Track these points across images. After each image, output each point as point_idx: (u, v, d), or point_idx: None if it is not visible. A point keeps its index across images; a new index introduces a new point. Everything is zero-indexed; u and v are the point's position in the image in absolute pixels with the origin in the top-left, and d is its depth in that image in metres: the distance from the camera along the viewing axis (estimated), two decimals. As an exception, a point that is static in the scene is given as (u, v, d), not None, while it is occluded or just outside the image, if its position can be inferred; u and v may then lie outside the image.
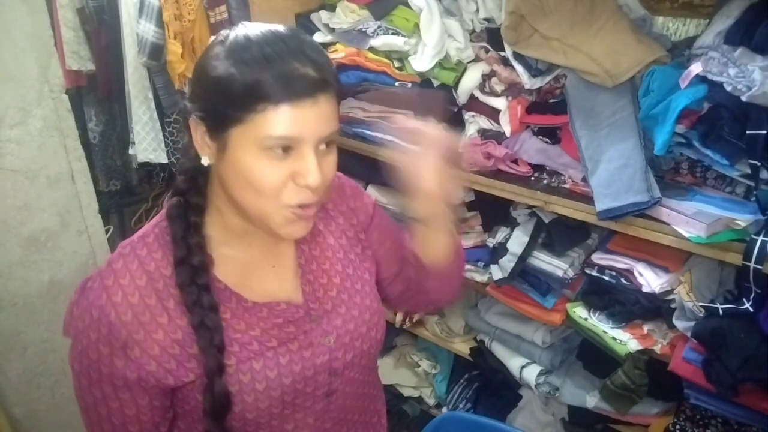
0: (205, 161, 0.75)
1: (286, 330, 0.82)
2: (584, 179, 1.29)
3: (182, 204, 0.80)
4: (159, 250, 0.79)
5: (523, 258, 1.45)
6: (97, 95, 2.30)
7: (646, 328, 1.36)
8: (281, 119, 0.68)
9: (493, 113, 1.43)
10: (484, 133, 1.47)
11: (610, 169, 1.21)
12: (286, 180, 0.71)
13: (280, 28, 0.72)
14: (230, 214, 0.80)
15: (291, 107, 0.68)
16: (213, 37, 0.75)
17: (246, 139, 0.69)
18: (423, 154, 0.85)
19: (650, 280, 1.28)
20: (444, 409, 1.94)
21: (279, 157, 0.70)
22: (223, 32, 0.74)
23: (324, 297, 0.87)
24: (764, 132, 1.02)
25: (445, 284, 0.99)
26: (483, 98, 1.43)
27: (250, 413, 0.78)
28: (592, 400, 1.51)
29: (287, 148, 0.70)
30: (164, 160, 2.19)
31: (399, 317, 1.82)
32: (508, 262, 1.47)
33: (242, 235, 0.82)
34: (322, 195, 0.76)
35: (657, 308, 1.33)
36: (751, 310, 1.13)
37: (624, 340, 1.34)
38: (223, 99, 0.69)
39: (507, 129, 1.41)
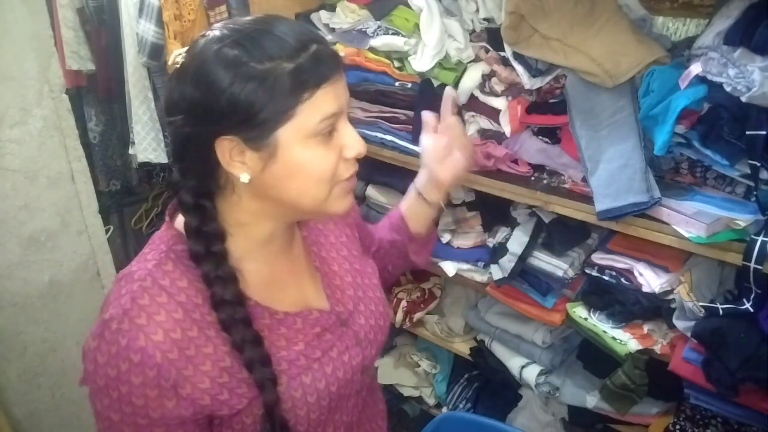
0: (244, 178, 0.71)
1: (325, 339, 0.82)
2: (584, 179, 1.29)
3: (200, 235, 0.74)
4: (183, 277, 0.74)
5: (523, 258, 1.45)
6: (97, 95, 2.30)
7: (646, 328, 1.36)
8: (326, 100, 0.70)
9: (493, 113, 1.43)
10: (484, 133, 1.47)
11: (610, 169, 1.21)
12: (339, 158, 0.74)
13: (259, 15, 0.73)
14: (258, 223, 0.78)
15: (329, 86, 0.70)
16: (188, 55, 0.70)
17: (298, 133, 0.69)
18: (450, 148, 1.00)
19: (650, 280, 1.28)
20: (444, 409, 1.94)
21: (326, 139, 0.72)
22: (199, 50, 0.68)
23: (344, 298, 0.88)
24: (764, 132, 1.02)
25: (423, 248, 1.14)
26: (483, 98, 1.43)
27: (302, 425, 0.78)
28: (592, 400, 1.51)
29: (331, 131, 0.72)
30: (164, 160, 2.19)
31: (399, 317, 1.82)
32: (508, 262, 1.47)
33: (266, 243, 0.80)
34: None
35: (657, 308, 1.33)
36: (751, 310, 1.13)
37: (624, 340, 1.35)
38: (265, 103, 0.66)
39: (507, 129, 1.41)
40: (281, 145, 0.69)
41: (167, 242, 0.76)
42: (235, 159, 0.70)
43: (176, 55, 0.72)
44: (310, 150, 0.71)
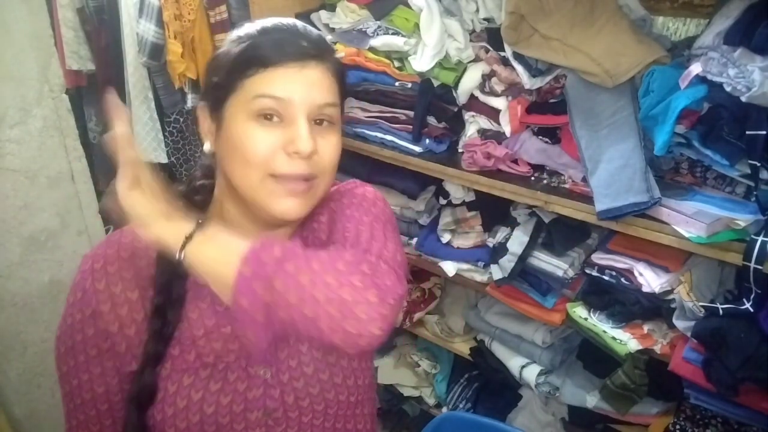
0: (207, 147, 0.77)
1: (229, 346, 0.75)
2: (584, 179, 1.29)
3: (185, 196, 0.80)
4: None
5: (523, 258, 1.45)
6: (97, 95, 2.30)
7: (646, 328, 1.36)
8: (271, 81, 0.70)
9: (493, 113, 1.43)
10: (484, 133, 1.47)
11: (610, 169, 1.21)
12: (276, 149, 0.71)
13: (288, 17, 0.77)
14: (228, 202, 0.79)
15: (280, 69, 0.70)
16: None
17: (239, 107, 0.71)
18: None
19: (650, 279, 1.28)
20: (444, 409, 1.94)
21: (270, 125, 0.71)
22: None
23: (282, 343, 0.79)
24: (764, 132, 1.02)
25: None
26: (483, 98, 1.43)
27: (168, 428, 0.75)
28: (592, 400, 1.51)
29: (278, 115, 0.71)
30: (164, 160, 2.19)
31: (399, 317, 1.82)
32: (508, 262, 1.47)
33: (241, 234, 0.77)
34: (320, 177, 0.74)
35: (657, 308, 1.33)
36: (751, 310, 1.13)
37: (624, 339, 1.34)
38: (222, 72, 0.73)
39: (507, 129, 1.41)
40: (226, 117, 0.73)
41: None
42: (206, 128, 0.77)
43: None
44: (246, 126, 0.71)
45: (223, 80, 0.73)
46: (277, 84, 0.70)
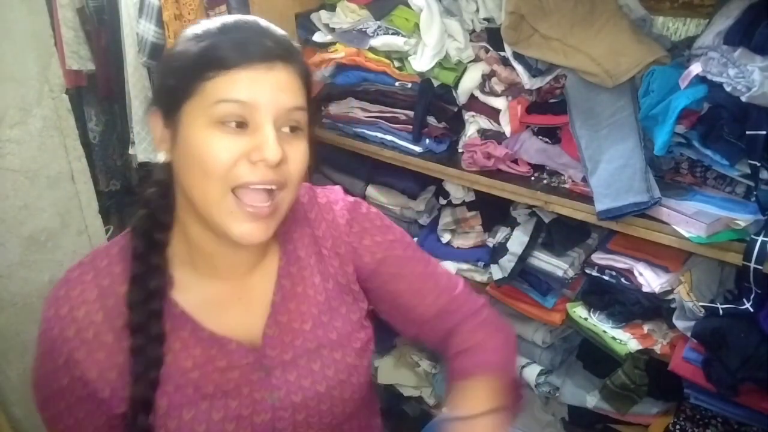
0: (161, 157, 0.71)
1: (227, 376, 0.74)
2: (584, 179, 1.29)
3: (149, 217, 0.74)
4: (120, 263, 0.73)
5: (523, 258, 1.45)
6: (97, 95, 2.30)
7: (646, 328, 1.36)
8: (233, 84, 0.64)
9: (493, 113, 1.43)
10: (484, 133, 1.47)
11: (610, 169, 1.21)
12: (239, 158, 0.65)
13: (245, 14, 0.72)
14: (191, 223, 0.73)
15: (243, 71, 0.64)
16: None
17: (197, 113, 0.65)
18: None
19: (650, 279, 1.28)
20: (444, 409, 1.94)
21: (233, 132, 0.65)
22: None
23: (289, 344, 0.78)
24: (764, 132, 1.02)
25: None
26: (483, 98, 1.43)
27: None
28: (592, 400, 1.51)
29: (242, 123, 0.65)
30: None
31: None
32: (508, 262, 1.47)
33: (208, 256, 0.75)
34: (285, 189, 0.69)
35: (657, 308, 1.33)
36: (751, 310, 1.13)
37: (624, 339, 1.34)
38: (177, 74, 0.66)
39: (507, 129, 1.41)
40: (183, 122, 0.66)
41: (128, 230, 0.77)
42: (159, 135, 0.71)
43: None
44: (206, 134, 0.64)
45: (179, 83, 0.66)
46: (240, 87, 0.64)
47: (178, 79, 0.66)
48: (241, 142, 0.65)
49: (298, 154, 0.69)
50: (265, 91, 0.65)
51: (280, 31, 0.71)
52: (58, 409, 0.71)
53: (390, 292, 0.86)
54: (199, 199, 0.68)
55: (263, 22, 0.70)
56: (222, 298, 0.77)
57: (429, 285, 0.87)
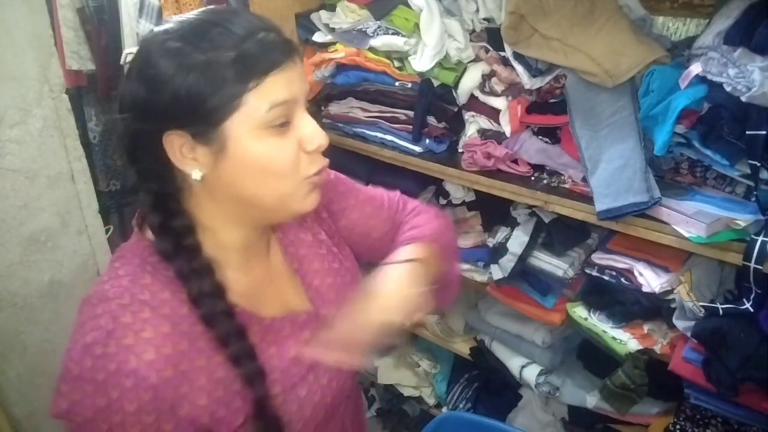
0: (196, 175, 0.68)
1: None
2: (584, 179, 1.29)
3: (167, 232, 0.71)
4: (165, 289, 0.69)
5: (523, 258, 1.45)
6: (97, 95, 2.30)
7: (646, 328, 1.36)
8: (276, 87, 0.65)
9: (493, 113, 1.43)
10: (484, 133, 1.47)
11: (610, 169, 1.21)
12: (298, 152, 0.69)
13: (207, 8, 0.70)
14: (227, 229, 0.74)
15: (280, 73, 0.66)
16: (146, 48, 0.67)
17: (246, 125, 0.65)
18: None
19: (650, 279, 1.28)
20: (444, 409, 1.94)
21: (281, 132, 0.67)
22: (149, 41, 0.66)
23: (327, 299, 0.84)
24: (764, 132, 1.02)
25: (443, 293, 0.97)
26: (483, 98, 1.43)
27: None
28: (592, 400, 1.51)
29: (286, 122, 0.68)
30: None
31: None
32: (508, 262, 1.47)
33: (241, 250, 0.77)
34: None
35: (657, 308, 1.33)
36: (751, 310, 1.13)
37: (624, 339, 1.35)
38: (208, 95, 0.63)
39: (507, 129, 1.41)
40: (231, 137, 0.65)
41: (140, 254, 0.72)
42: (186, 156, 0.67)
43: (126, 53, 0.71)
44: (263, 142, 0.66)
45: (212, 103, 0.63)
46: (284, 89, 0.66)
47: (213, 100, 0.64)
48: (292, 138, 0.69)
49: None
50: (297, 85, 0.68)
51: (268, 18, 0.71)
52: None
53: (346, 227, 0.95)
54: (273, 201, 0.70)
55: (242, 10, 0.71)
56: (258, 285, 0.80)
57: (374, 206, 0.96)
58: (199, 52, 0.63)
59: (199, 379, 0.67)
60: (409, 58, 1.45)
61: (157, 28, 0.68)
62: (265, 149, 0.67)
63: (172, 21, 0.68)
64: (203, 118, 0.64)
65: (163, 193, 0.72)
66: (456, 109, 1.50)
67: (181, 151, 0.67)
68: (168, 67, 0.63)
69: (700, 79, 1.09)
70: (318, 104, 1.72)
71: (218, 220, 0.73)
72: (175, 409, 0.65)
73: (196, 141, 0.66)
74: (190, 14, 0.68)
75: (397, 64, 1.49)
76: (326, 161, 0.73)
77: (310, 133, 0.69)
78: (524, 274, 1.49)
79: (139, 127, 0.67)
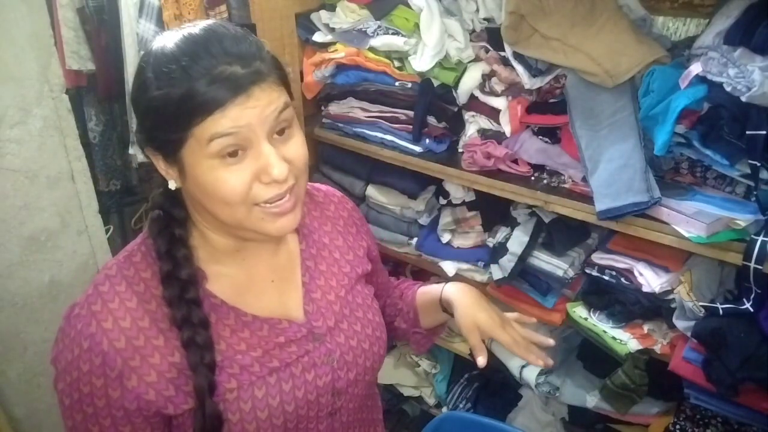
0: (172, 185, 0.74)
1: (288, 350, 0.79)
2: (584, 179, 1.29)
3: (164, 217, 0.77)
4: (148, 269, 0.76)
5: (523, 258, 1.45)
6: (97, 95, 2.30)
7: (646, 328, 1.36)
8: (221, 120, 0.65)
9: (493, 113, 1.43)
10: (484, 133, 1.47)
11: (610, 169, 1.21)
12: (251, 181, 0.69)
13: (195, 30, 0.68)
14: (215, 234, 0.78)
15: (226, 110, 0.65)
16: (140, 62, 0.72)
17: (197, 155, 0.67)
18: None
19: (650, 279, 1.28)
20: (444, 409, 1.94)
21: (235, 160, 0.67)
22: (145, 55, 0.70)
23: (328, 313, 0.85)
24: (764, 132, 1.02)
25: (426, 340, 1.12)
26: (483, 98, 1.43)
27: None
28: (592, 400, 1.51)
29: (237, 151, 0.67)
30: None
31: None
32: (508, 262, 1.47)
33: (232, 252, 0.80)
34: (298, 180, 0.73)
35: (657, 308, 1.33)
36: (751, 310, 1.13)
37: (624, 339, 1.35)
38: (164, 124, 0.67)
39: (507, 129, 1.41)
40: (187, 163, 0.69)
41: (142, 237, 0.79)
42: (162, 168, 0.73)
43: None
44: (213, 171, 0.67)
45: (168, 133, 0.67)
46: (227, 121, 0.65)
47: (168, 131, 0.68)
48: (246, 168, 0.68)
49: (297, 146, 0.73)
50: (252, 114, 0.66)
51: (240, 36, 0.69)
52: (101, 428, 0.73)
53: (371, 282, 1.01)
54: (226, 219, 0.72)
55: (223, 36, 0.68)
56: (254, 283, 0.82)
57: (385, 280, 1.10)
58: (156, 88, 0.67)
59: (152, 357, 0.71)
60: (409, 58, 1.45)
61: (154, 46, 0.70)
62: (214, 178, 0.68)
63: (165, 39, 0.69)
64: (164, 145, 0.70)
65: (171, 191, 0.76)
66: (456, 109, 1.50)
67: (161, 164, 0.73)
68: (138, 96, 0.69)
69: (700, 79, 1.09)
70: (318, 104, 1.72)
71: (207, 223, 0.78)
72: (122, 379, 0.70)
73: (164, 160, 0.72)
74: (181, 33, 0.69)
75: (397, 64, 1.49)
76: (287, 189, 0.71)
77: (264, 164, 0.68)
78: (524, 274, 1.49)
79: (139, 139, 0.74)
